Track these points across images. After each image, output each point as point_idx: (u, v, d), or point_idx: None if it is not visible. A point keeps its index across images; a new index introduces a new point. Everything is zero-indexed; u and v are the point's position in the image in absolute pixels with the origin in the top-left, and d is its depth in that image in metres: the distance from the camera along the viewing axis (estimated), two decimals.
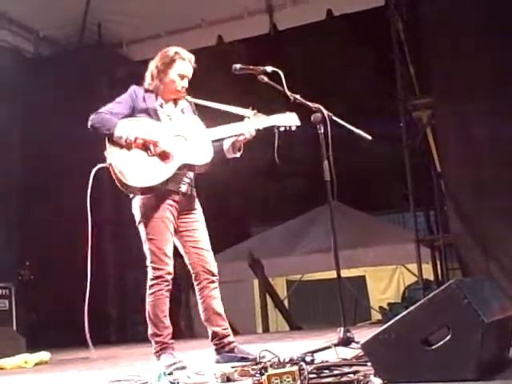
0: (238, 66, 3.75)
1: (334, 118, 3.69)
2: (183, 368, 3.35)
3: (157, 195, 3.61)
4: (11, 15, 8.20)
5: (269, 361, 2.79)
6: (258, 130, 3.71)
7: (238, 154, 3.80)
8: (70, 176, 8.17)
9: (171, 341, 3.61)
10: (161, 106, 3.76)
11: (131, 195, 3.72)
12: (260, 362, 2.87)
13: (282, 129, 3.69)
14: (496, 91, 6.30)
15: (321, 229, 9.52)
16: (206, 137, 3.71)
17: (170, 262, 3.63)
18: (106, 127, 3.59)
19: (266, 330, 9.66)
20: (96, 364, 4.90)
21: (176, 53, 3.83)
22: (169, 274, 3.61)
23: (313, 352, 3.02)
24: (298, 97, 3.68)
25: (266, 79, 3.68)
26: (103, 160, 3.64)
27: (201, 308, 3.75)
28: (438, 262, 7.74)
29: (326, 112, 3.65)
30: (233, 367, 2.93)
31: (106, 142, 3.60)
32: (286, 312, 10.38)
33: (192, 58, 3.85)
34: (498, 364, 2.45)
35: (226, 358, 3.61)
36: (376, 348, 2.38)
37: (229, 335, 3.72)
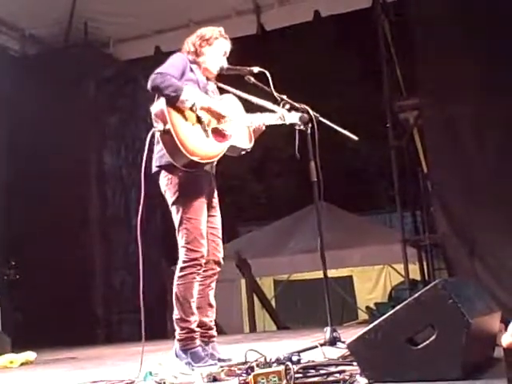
0: (225, 66, 3.75)
1: (321, 118, 3.71)
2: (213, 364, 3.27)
3: (197, 174, 3.49)
4: None
5: (255, 360, 2.79)
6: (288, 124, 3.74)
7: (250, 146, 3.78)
8: (55, 176, 8.15)
9: (198, 328, 3.51)
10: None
11: (163, 172, 3.53)
12: (246, 362, 2.87)
13: (298, 127, 3.72)
14: (483, 92, 6.33)
15: (308, 229, 9.53)
16: (245, 121, 3.71)
17: (206, 244, 3.53)
18: (172, 88, 3.36)
19: (253, 329, 9.66)
20: (82, 364, 4.88)
21: (219, 31, 3.78)
22: (203, 257, 3.50)
23: (299, 352, 3.03)
24: (284, 97, 3.70)
25: (252, 80, 3.68)
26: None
27: (197, 294, 3.63)
28: (425, 262, 7.78)
29: (312, 113, 3.66)
30: (220, 367, 2.94)
31: (164, 106, 3.38)
32: (273, 312, 10.39)
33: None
34: (483, 363, 2.47)
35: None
36: (362, 347, 2.39)
37: (213, 329, 3.67)
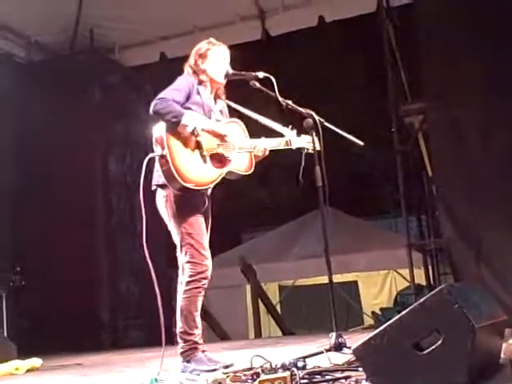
0: (230, 71, 3.76)
1: (326, 123, 3.71)
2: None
3: (193, 194, 3.54)
4: (3, 20, 8.17)
5: (261, 366, 2.79)
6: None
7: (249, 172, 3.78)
8: (60, 180, 8.17)
9: (201, 341, 3.54)
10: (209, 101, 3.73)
11: (160, 190, 3.59)
12: (252, 368, 2.87)
13: (305, 151, 3.76)
14: (488, 96, 6.32)
15: (313, 234, 9.52)
16: (247, 146, 3.71)
17: (209, 256, 3.57)
18: (172, 114, 3.41)
19: (258, 335, 9.63)
20: (89, 370, 4.89)
21: (209, 42, 3.82)
22: (207, 270, 3.54)
23: (305, 357, 3.02)
24: (289, 102, 3.70)
25: (257, 85, 3.69)
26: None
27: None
28: (430, 267, 7.75)
29: (317, 118, 3.67)
30: (224, 373, 2.93)
31: (164, 131, 3.43)
32: (279, 317, 10.37)
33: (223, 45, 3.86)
34: (489, 369, 2.46)
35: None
36: (368, 353, 2.38)
37: (202, 344, 3.67)
